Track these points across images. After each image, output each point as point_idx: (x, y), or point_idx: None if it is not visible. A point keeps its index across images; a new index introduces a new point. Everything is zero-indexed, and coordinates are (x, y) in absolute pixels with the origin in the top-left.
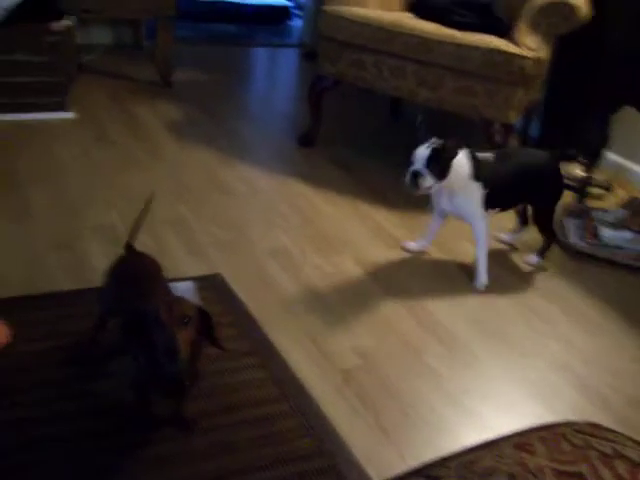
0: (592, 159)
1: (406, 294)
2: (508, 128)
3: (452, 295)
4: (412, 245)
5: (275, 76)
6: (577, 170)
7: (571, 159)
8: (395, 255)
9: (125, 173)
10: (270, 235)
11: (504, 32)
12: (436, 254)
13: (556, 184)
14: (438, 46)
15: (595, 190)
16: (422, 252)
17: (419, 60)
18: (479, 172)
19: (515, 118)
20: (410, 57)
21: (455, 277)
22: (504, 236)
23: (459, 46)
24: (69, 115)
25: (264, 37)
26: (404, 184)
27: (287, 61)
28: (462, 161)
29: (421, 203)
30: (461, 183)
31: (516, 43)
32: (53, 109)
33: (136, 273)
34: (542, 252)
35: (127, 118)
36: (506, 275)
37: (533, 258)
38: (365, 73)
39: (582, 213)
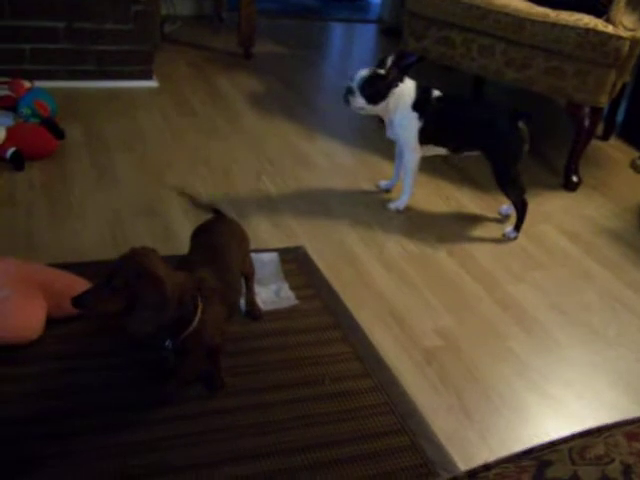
0: None
1: (486, 276)
2: (597, 112)
3: (534, 279)
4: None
5: (354, 51)
6: None
7: (528, 119)
8: (477, 235)
9: (206, 142)
10: (352, 211)
11: (600, 11)
12: (519, 238)
13: (505, 140)
14: (530, 25)
15: None
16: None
17: (509, 39)
18: (420, 105)
19: (606, 102)
20: (500, 36)
21: (538, 261)
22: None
23: (553, 25)
24: (153, 83)
25: (343, 12)
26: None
27: (366, 37)
28: (407, 91)
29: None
30: (401, 111)
31: (612, 23)
32: (138, 77)
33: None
34: (517, 225)
35: (208, 88)
36: (591, 264)
37: (510, 232)
38: (452, 51)
39: None
